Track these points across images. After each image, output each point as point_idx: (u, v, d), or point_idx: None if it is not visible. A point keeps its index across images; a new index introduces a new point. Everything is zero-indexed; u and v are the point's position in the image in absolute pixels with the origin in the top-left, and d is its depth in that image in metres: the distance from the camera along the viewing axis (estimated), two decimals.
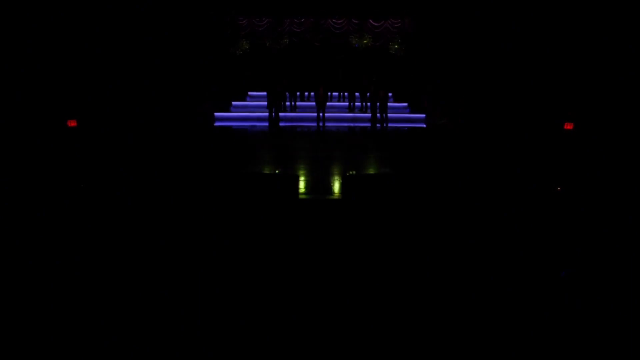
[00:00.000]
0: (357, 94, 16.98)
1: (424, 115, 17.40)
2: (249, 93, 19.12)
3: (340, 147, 13.97)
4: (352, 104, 17.27)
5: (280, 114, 16.26)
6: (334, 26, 19.80)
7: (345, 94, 17.62)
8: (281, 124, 16.10)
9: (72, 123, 10.74)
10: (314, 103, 16.33)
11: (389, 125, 15.89)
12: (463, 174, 11.47)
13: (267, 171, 11.95)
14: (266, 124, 15.77)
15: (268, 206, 9.18)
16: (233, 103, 18.20)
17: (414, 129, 16.49)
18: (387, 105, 15.75)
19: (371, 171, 12.00)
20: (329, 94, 17.07)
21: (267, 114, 15.70)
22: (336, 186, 10.91)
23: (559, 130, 10.89)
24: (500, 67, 13.10)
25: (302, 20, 19.17)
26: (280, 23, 18.99)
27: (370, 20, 19.06)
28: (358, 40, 16.91)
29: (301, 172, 11.62)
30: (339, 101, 17.83)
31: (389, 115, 15.92)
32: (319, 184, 11.11)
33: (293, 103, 17.34)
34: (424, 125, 16.80)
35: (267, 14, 18.32)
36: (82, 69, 10.68)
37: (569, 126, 10.86)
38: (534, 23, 11.87)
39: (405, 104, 18.27)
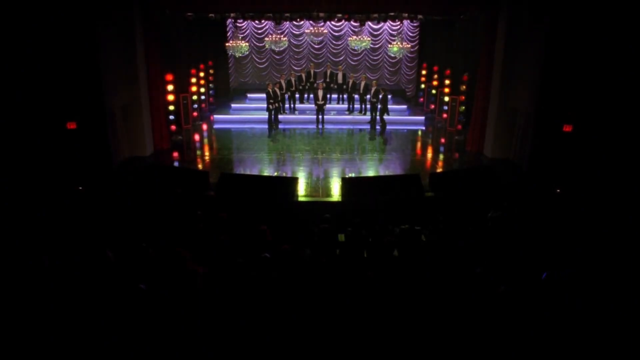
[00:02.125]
0: (356, 96, 17.01)
1: (423, 118, 17.47)
2: (248, 95, 19.19)
3: (340, 149, 13.99)
4: (351, 106, 17.31)
5: (280, 116, 16.31)
6: (333, 28, 19.88)
7: (344, 96, 17.66)
8: (280, 126, 16.14)
9: (71, 125, 10.80)
10: (313, 105, 16.38)
11: (388, 127, 15.92)
12: (462, 175, 11.51)
13: (266, 173, 11.95)
14: (265, 126, 15.78)
15: (268, 208, 9.19)
16: (232, 105, 18.26)
17: (413, 131, 16.53)
18: (386, 107, 15.78)
19: (370, 173, 12.01)
20: (328, 96, 17.12)
21: (266, 116, 15.71)
22: (335, 188, 10.92)
23: (558, 132, 10.93)
24: (498, 66, 13.13)
25: (302, 22, 19.21)
26: (279, 25, 19.04)
27: (369, 23, 19.12)
28: (357, 42, 16.94)
29: (300, 174, 11.62)
30: (338, 103, 17.88)
31: (388, 117, 15.95)
32: (318, 186, 11.12)
33: (292, 105, 17.39)
34: (423, 128, 16.86)
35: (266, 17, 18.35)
36: (82, 69, 10.66)
37: (568, 128, 10.92)
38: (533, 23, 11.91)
39: (405, 107, 18.34)
